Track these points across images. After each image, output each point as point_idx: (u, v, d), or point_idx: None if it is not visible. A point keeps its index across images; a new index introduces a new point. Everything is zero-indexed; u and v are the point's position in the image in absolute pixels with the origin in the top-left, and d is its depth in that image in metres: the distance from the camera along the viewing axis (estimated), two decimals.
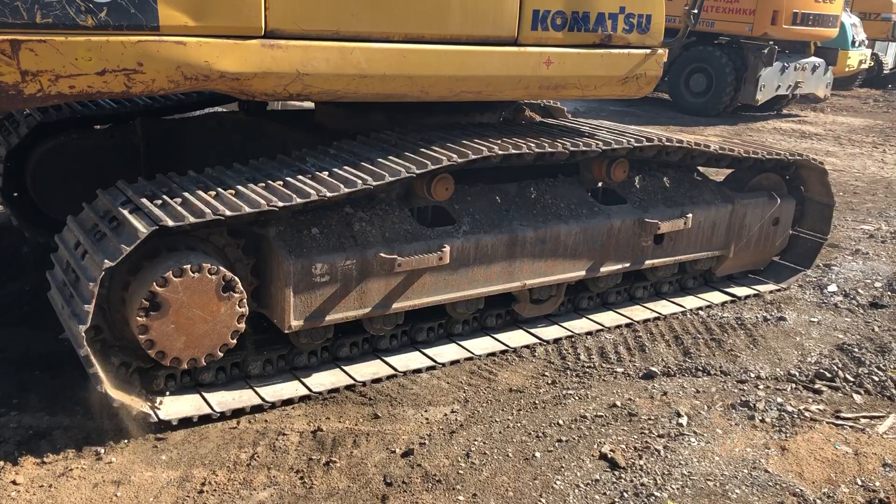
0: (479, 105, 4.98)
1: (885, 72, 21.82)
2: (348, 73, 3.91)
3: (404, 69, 4.06)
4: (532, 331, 4.75)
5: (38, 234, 5.59)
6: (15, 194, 5.58)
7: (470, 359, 4.40)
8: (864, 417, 4.02)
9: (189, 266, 3.42)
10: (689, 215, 5.02)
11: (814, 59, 15.11)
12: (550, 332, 4.76)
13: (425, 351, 4.41)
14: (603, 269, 4.84)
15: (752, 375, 4.41)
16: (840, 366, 4.54)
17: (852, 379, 4.38)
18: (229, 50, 3.58)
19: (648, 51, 4.94)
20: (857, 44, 17.44)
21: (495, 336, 4.65)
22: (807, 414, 4.00)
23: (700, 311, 5.23)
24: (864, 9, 20.73)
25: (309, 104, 5.84)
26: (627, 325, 4.97)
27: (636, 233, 4.89)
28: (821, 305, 5.45)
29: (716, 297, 5.51)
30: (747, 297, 5.59)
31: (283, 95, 3.83)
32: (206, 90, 3.67)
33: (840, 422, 3.96)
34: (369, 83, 3.99)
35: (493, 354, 4.47)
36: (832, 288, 5.73)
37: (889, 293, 5.70)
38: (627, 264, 4.95)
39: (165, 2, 3.39)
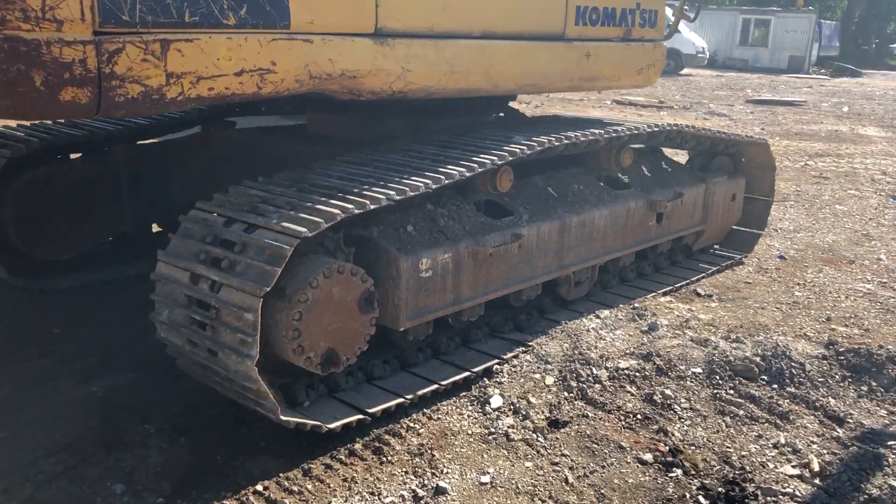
0: (478, 108, 5.21)
1: None
2: (441, 70, 3.97)
3: (483, 64, 4.19)
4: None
5: (25, 282, 4.99)
6: None
7: None
8: None
9: (336, 266, 3.36)
10: (684, 194, 5.48)
11: None
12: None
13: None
14: (624, 251, 5.20)
15: None
16: None
17: None
18: (348, 48, 3.53)
19: (655, 43, 5.30)
20: None
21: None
22: None
23: None
24: None
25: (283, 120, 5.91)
26: None
27: (645, 213, 5.28)
28: (488, 440, 3.61)
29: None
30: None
31: (386, 93, 3.86)
32: (320, 91, 3.57)
33: None
34: (457, 78, 4.08)
35: None
36: (496, 401, 3.88)
37: (565, 393, 3.98)
38: (639, 245, 5.34)
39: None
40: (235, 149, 5.41)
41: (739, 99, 20.26)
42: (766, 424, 3.79)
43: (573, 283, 4.93)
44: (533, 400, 3.88)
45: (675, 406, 3.91)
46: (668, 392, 4.00)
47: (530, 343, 4.35)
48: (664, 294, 5.30)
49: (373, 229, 3.78)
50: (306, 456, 3.42)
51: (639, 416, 3.81)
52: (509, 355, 4.22)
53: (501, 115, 5.82)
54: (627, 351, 4.36)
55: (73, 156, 5.27)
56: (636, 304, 4.93)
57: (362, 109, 4.27)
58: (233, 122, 5.65)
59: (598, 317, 4.70)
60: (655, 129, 5.19)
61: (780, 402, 3.94)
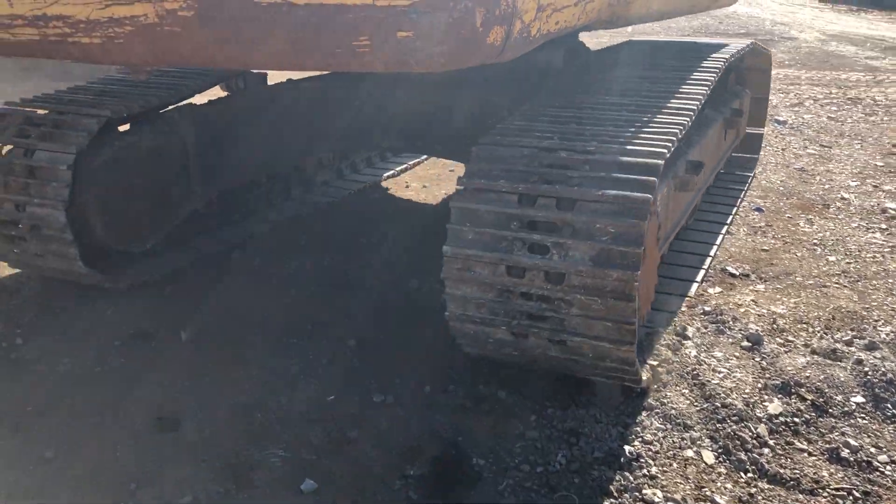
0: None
1: None
2: None
3: None
4: None
5: (111, 278, 4.05)
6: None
7: None
8: None
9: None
10: (742, 110, 5.49)
11: None
12: None
13: None
14: (713, 173, 5.14)
15: None
16: None
17: None
18: None
19: None
20: None
21: None
22: None
23: None
24: None
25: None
26: None
27: (721, 131, 5.02)
28: None
29: None
30: None
31: (635, 20, 4.05)
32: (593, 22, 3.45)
33: None
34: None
35: None
36: None
37: (741, 474, 2.81)
38: (719, 164, 5.29)
39: None
40: (302, 101, 5.04)
41: None
42: None
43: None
44: (718, 499, 2.68)
45: (875, 462, 2.91)
46: (850, 441, 2.99)
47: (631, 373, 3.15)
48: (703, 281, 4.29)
49: None
50: None
51: (855, 494, 2.75)
52: None
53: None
54: (757, 385, 3.29)
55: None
56: (706, 309, 3.87)
57: None
58: (264, 76, 4.99)
59: (685, 336, 3.58)
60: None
61: None
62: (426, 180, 6.37)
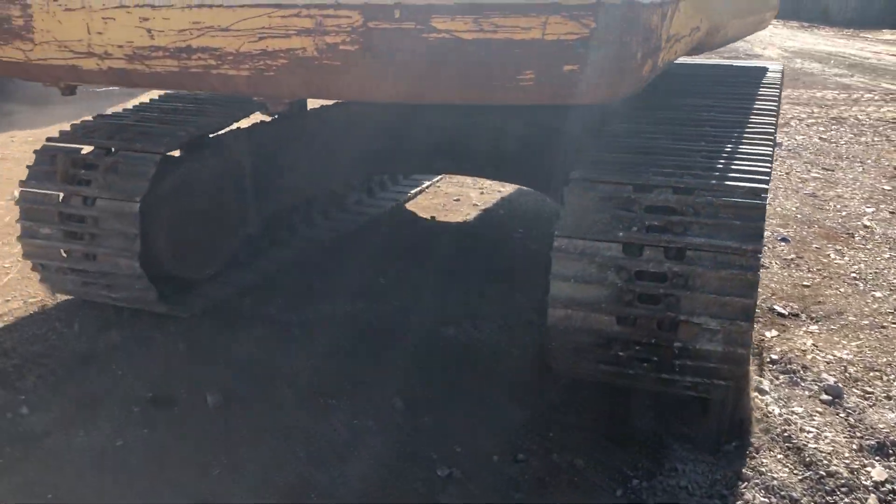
0: None
1: None
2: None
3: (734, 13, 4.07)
4: None
5: (180, 307, 4.00)
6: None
7: None
8: None
9: None
10: None
11: None
12: None
13: None
14: None
15: None
16: None
17: None
18: None
19: None
20: None
21: None
22: None
23: None
24: None
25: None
26: None
27: None
28: None
29: None
30: None
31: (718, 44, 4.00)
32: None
33: None
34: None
35: None
36: None
37: None
38: None
39: None
40: (351, 123, 5.05)
41: None
42: None
43: None
44: None
45: None
46: None
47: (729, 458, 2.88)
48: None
49: None
50: None
51: None
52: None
53: None
54: (852, 446, 3.05)
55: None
56: (773, 357, 3.64)
57: None
58: (304, 100, 4.90)
59: (762, 391, 3.33)
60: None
61: None
62: (432, 211, 6.06)
